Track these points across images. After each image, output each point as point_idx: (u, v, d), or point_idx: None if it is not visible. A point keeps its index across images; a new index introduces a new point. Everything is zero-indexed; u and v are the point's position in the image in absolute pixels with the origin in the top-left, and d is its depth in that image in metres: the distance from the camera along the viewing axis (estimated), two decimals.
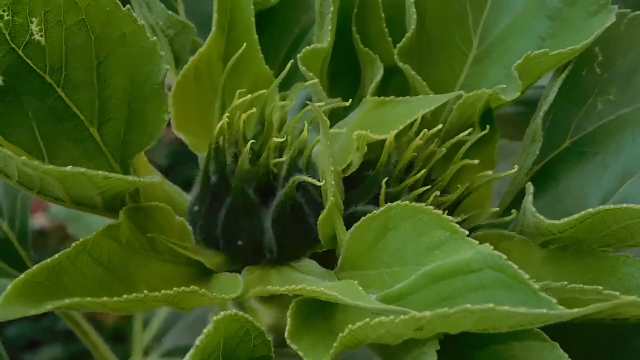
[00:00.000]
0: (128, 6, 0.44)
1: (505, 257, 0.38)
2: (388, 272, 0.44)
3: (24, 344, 1.54)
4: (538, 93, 0.59)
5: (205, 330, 0.36)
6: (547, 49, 0.50)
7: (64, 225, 1.43)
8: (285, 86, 0.59)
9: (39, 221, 1.57)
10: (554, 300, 0.36)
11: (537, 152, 0.52)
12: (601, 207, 0.44)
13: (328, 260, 0.51)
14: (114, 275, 0.42)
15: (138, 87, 0.46)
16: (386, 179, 0.50)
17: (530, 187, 0.49)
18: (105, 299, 0.36)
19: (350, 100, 0.58)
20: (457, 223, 0.48)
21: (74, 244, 0.39)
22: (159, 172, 0.53)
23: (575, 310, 0.34)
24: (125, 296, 0.37)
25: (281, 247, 0.49)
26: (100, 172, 0.39)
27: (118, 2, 0.44)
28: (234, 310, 0.39)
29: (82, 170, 0.38)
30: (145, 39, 0.45)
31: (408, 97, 0.52)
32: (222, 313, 0.38)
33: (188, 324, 1.12)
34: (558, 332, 0.51)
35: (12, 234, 0.66)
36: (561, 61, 0.52)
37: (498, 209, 0.55)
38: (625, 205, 0.43)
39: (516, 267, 0.38)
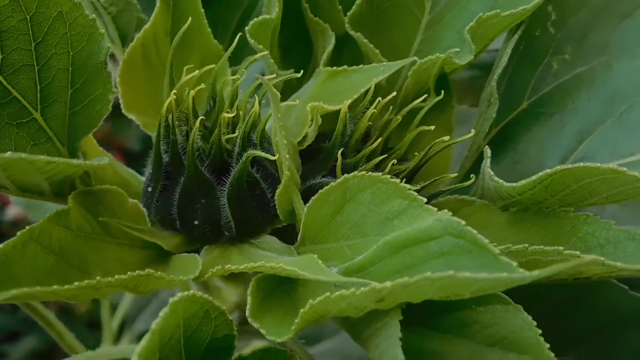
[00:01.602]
0: None
1: (464, 222, 0.38)
2: (348, 244, 0.44)
3: (3, 335, 1.52)
4: (493, 56, 0.58)
5: (161, 313, 0.35)
6: (499, 10, 0.50)
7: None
8: (237, 59, 0.57)
9: (12, 211, 1.54)
10: (514, 264, 0.35)
11: (494, 116, 0.52)
12: (558, 167, 0.43)
13: (290, 235, 0.50)
14: (66, 262, 0.41)
15: (80, 67, 0.44)
16: (342, 149, 0.49)
17: (487, 151, 0.48)
18: (55, 287, 0.35)
19: (303, 71, 0.57)
20: (416, 190, 0.48)
21: (19, 233, 0.37)
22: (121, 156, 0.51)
23: (536, 272, 0.33)
24: (76, 283, 0.36)
25: (239, 224, 0.47)
26: (42, 157, 0.37)
27: None
28: (192, 291, 0.38)
29: (23, 155, 0.36)
30: (83, 16, 0.43)
31: (361, 65, 0.51)
32: (179, 294, 0.36)
33: (158, 306, 1.11)
34: (520, 293, 0.51)
35: None
36: (513, 22, 0.52)
37: (457, 174, 0.54)
38: (582, 164, 0.43)
39: (475, 232, 0.37)
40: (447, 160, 0.55)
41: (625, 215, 0.88)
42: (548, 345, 0.40)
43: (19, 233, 0.37)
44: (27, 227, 0.38)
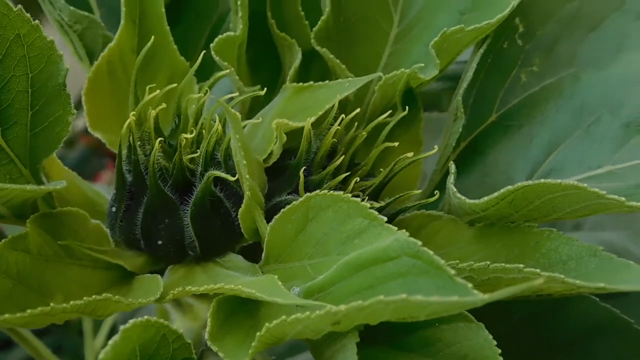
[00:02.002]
0: (20, 6, 0.42)
1: (420, 243, 0.38)
2: (311, 263, 0.44)
3: None
4: (464, 67, 0.58)
5: (110, 342, 0.34)
6: (463, 25, 0.50)
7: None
8: (207, 76, 0.57)
9: None
10: (470, 285, 0.35)
11: (460, 130, 0.52)
12: (520, 184, 0.43)
13: (258, 253, 0.50)
14: (24, 286, 0.41)
15: (39, 88, 0.44)
16: (308, 167, 0.49)
17: (452, 167, 0.48)
18: (7, 315, 0.35)
19: (272, 86, 0.57)
20: (381, 207, 0.48)
21: None
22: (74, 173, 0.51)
23: (486, 296, 0.33)
24: (28, 311, 0.35)
25: (203, 243, 0.47)
26: None
27: (8, 2, 0.42)
28: (146, 317, 0.38)
29: None
30: (41, 38, 0.43)
31: (327, 81, 0.51)
32: (131, 321, 0.36)
33: (149, 313, 1.10)
34: (490, 308, 0.51)
35: None
36: (478, 36, 0.52)
37: (425, 189, 0.54)
38: (544, 180, 0.43)
39: (432, 253, 0.37)
40: (416, 175, 0.55)
41: (607, 220, 0.88)
42: None
43: None
44: None
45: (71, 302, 0.37)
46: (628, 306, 0.71)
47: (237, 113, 0.44)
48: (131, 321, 0.36)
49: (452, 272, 0.36)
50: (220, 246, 0.49)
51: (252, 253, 0.50)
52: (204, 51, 0.50)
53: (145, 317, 0.38)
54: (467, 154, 0.56)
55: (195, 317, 0.57)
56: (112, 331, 1.08)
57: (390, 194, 0.52)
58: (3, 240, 0.40)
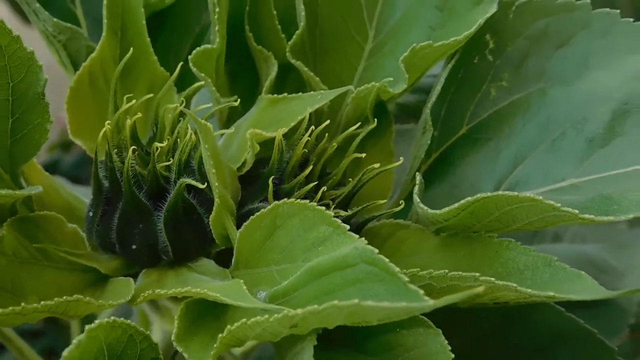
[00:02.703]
0: (1, 19, 0.44)
1: (377, 251, 0.39)
2: (277, 269, 0.45)
3: None
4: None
5: (75, 340, 0.36)
6: (432, 41, 0.51)
7: None
8: (188, 87, 0.59)
9: None
10: (421, 292, 0.37)
11: (429, 142, 0.53)
12: (479, 195, 0.45)
13: (226, 257, 0.51)
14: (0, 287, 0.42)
15: (19, 97, 0.46)
16: (280, 176, 0.51)
17: (418, 177, 0.50)
18: None
19: (249, 101, 0.58)
20: (349, 216, 0.50)
21: None
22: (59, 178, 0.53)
23: (432, 302, 0.35)
24: (0, 310, 0.37)
25: (176, 248, 0.49)
26: None
27: None
28: (112, 317, 0.39)
29: None
30: (21, 49, 0.45)
31: (300, 93, 0.53)
32: (97, 321, 0.38)
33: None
34: (459, 315, 0.53)
35: None
36: (447, 52, 0.53)
37: (393, 199, 0.56)
38: (501, 192, 0.45)
39: (387, 260, 0.39)
40: (387, 184, 0.57)
41: (587, 233, 0.90)
42: None
43: None
44: None
45: (42, 302, 0.39)
46: (598, 316, 0.73)
47: (208, 123, 0.45)
48: (97, 321, 0.38)
49: (406, 279, 0.38)
50: (193, 251, 0.50)
51: (226, 258, 0.52)
52: (182, 62, 0.52)
53: (112, 317, 0.39)
54: (438, 165, 0.58)
55: (172, 319, 0.59)
56: None
57: (362, 203, 0.54)
58: None
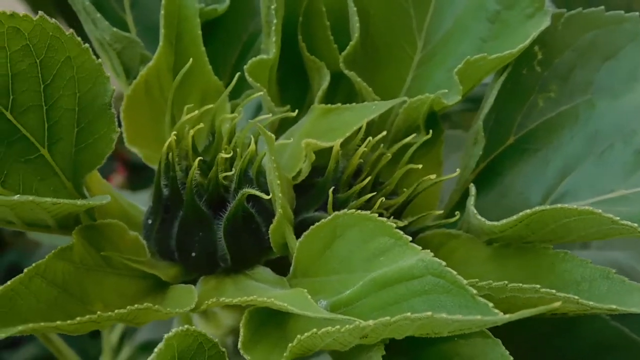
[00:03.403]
0: (72, 30, 0.45)
1: (444, 263, 0.40)
2: (337, 279, 0.46)
3: (3, 342, 1.54)
4: (485, 90, 0.60)
5: (156, 349, 0.37)
6: (486, 53, 0.52)
7: None
8: (237, 93, 0.60)
9: None
10: (490, 305, 0.38)
11: (480, 154, 0.54)
12: (537, 208, 0.46)
13: (282, 265, 0.52)
14: (68, 294, 0.43)
15: (85, 107, 0.47)
16: (334, 185, 0.52)
17: (472, 189, 0.50)
18: (58, 322, 0.37)
19: (300, 106, 0.59)
20: (404, 226, 0.51)
21: (26, 270, 0.40)
22: (119, 181, 0.53)
23: (507, 316, 0.35)
24: (78, 318, 0.38)
25: (234, 256, 0.50)
26: (48, 199, 0.40)
27: (60, 26, 0.44)
28: (186, 325, 0.40)
29: (30, 198, 0.39)
30: (90, 60, 0.45)
31: (354, 104, 0.54)
32: (173, 330, 0.39)
33: None
34: (510, 325, 0.54)
35: None
36: (500, 64, 0.54)
37: (445, 208, 0.57)
38: (560, 205, 0.45)
39: (455, 272, 0.40)
40: (436, 193, 0.57)
41: (615, 240, 0.90)
42: None
43: (25, 270, 0.40)
44: (34, 264, 0.40)
45: (115, 311, 0.40)
46: (633, 324, 0.74)
47: (272, 135, 0.46)
48: (173, 330, 0.39)
49: (474, 291, 0.39)
50: (250, 259, 0.51)
51: (277, 265, 0.52)
52: (238, 73, 0.53)
53: (186, 326, 0.40)
54: (486, 175, 0.58)
55: (219, 325, 0.60)
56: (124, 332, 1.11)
57: (410, 212, 0.54)
58: (52, 252, 0.42)
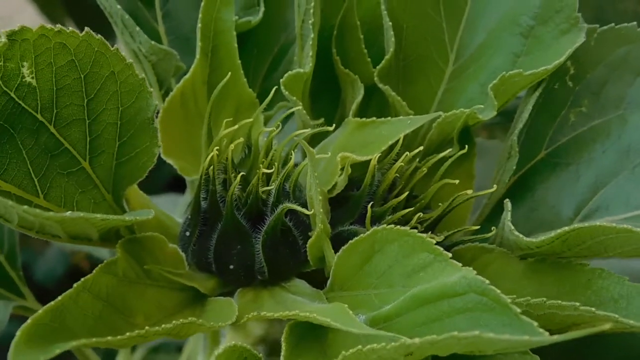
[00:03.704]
0: (116, 46, 0.45)
1: (487, 281, 0.40)
2: (375, 294, 0.46)
3: (7, 345, 1.54)
4: (513, 103, 0.61)
5: None
6: (521, 69, 0.52)
7: None
8: (269, 104, 0.60)
9: None
10: (535, 324, 0.38)
11: (514, 168, 0.54)
12: (576, 225, 0.46)
13: (315, 277, 0.52)
14: (112, 307, 0.44)
15: (128, 121, 0.47)
16: (369, 198, 0.52)
17: (508, 205, 0.51)
18: (109, 337, 0.38)
19: (330, 118, 0.60)
20: (441, 241, 0.51)
21: (75, 285, 0.40)
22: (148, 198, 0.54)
23: (555, 337, 0.36)
24: (127, 334, 0.38)
25: (272, 269, 0.50)
26: (98, 215, 0.40)
27: (106, 42, 0.45)
28: (233, 342, 0.41)
29: (81, 214, 0.39)
30: (133, 75, 0.46)
31: (389, 118, 0.54)
32: (222, 347, 0.39)
33: None
34: None
35: (0, 255, 0.67)
36: (534, 80, 0.54)
37: (477, 222, 0.57)
38: (598, 223, 0.46)
39: (498, 291, 0.40)
40: (468, 207, 0.58)
41: None
42: None
43: (75, 285, 0.40)
44: (82, 279, 0.41)
45: (162, 326, 0.40)
46: None
47: (313, 150, 0.46)
48: (222, 347, 0.39)
49: (518, 310, 0.39)
50: (286, 272, 0.52)
51: (310, 277, 0.53)
52: (275, 87, 0.53)
53: (233, 342, 0.41)
54: (516, 189, 0.59)
55: (248, 334, 0.60)
56: None
57: (442, 226, 0.55)
58: (99, 265, 0.43)
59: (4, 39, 0.41)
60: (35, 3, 1.45)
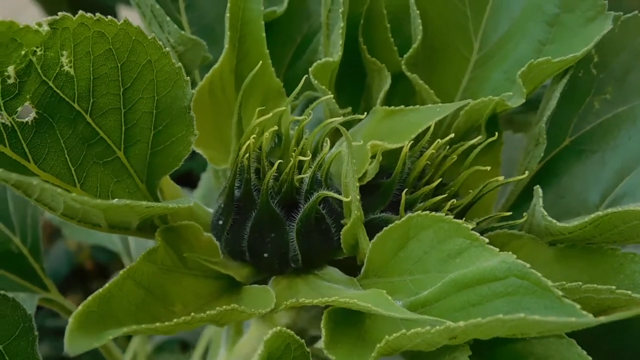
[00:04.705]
0: (153, 34, 0.45)
1: (528, 265, 0.41)
2: (411, 279, 0.47)
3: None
4: (535, 92, 0.61)
5: (258, 351, 0.38)
6: (549, 57, 0.53)
7: (51, 221, 1.44)
8: (290, 92, 0.60)
9: None
10: (577, 306, 0.38)
11: (541, 155, 0.55)
12: (609, 210, 0.46)
13: (346, 264, 0.53)
14: (152, 295, 0.44)
15: (164, 110, 0.47)
16: (400, 186, 0.52)
17: (539, 191, 0.51)
18: (157, 324, 0.38)
19: (355, 106, 0.60)
20: (473, 227, 0.51)
21: (120, 272, 0.41)
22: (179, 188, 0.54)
23: (602, 318, 0.36)
24: (174, 320, 0.39)
25: (305, 256, 0.51)
26: (143, 202, 0.40)
27: (143, 31, 0.45)
28: (279, 327, 0.41)
29: (128, 202, 0.39)
30: (170, 64, 0.46)
31: (417, 106, 0.54)
32: (270, 332, 0.40)
33: None
34: None
35: (24, 248, 0.67)
36: (562, 67, 0.55)
37: (504, 209, 0.57)
38: (632, 207, 0.46)
39: (539, 274, 0.40)
40: (494, 195, 0.58)
41: None
42: None
43: (121, 272, 0.41)
44: (127, 266, 0.41)
45: (207, 312, 0.40)
46: None
47: (351, 138, 0.47)
48: (270, 332, 0.40)
49: (560, 293, 0.39)
50: (319, 259, 0.52)
51: (341, 265, 0.53)
52: (305, 76, 0.53)
53: (278, 327, 0.41)
54: (542, 176, 0.59)
55: (274, 323, 0.60)
56: None
57: (472, 212, 0.55)
58: (142, 254, 0.43)
59: (46, 28, 0.41)
60: (39, 2, 1.44)
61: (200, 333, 0.95)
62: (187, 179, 1.24)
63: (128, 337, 1.25)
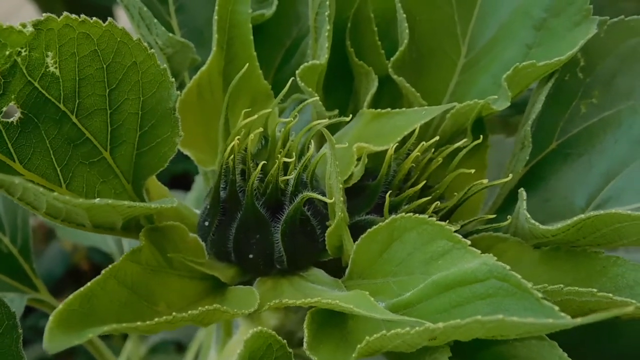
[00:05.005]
0: (138, 36, 0.46)
1: (508, 267, 0.41)
2: (395, 281, 0.47)
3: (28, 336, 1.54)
4: (523, 95, 0.62)
5: (238, 351, 0.38)
6: (534, 60, 0.53)
7: (44, 223, 1.44)
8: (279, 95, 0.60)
9: None
10: (556, 308, 0.39)
11: (527, 158, 0.55)
12: (592, 213, 0.47)
13: (331, 266, 0.53)
14: (136, 294, 0.44)
15: (149, 111, 0.47)
16: (385, 188, 0.53)
17: (523, 194, 0.51)
18: (138, 323, 0.38)
19: (343, 109, 0.60)
20: (457, 230, 0.52)
21: (103, 271, 0.41)
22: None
23: (579, 319, 0.36)
24: (155, 319, 0.39)
25: (290, 258, 0.51)
26: (125, 202, 0.40)
27: (128, 33, 0.45)
28: (259, 327, 0.41)
29: (109, 201, 0.40)
30: (155, 66, 0.46)
31: (404, 108, 0.55)
32: (250, 332, 0.40)
33: None
34: None
35: (14, 248, 0.67)
36: (547, 71, 0.55)
37: (490, 212, 0.58)
38: (614, 210, 0.46)
39: (519, 276, 0.41)
40: (480, 198, 0.58)
41: None
42: None
43: (103, 271, 0.41)
44: (110, 266, 0.41)
45: (189, 312, 0.41)
46: None
47: (334, 140, 0.47)
48: (250, 332, 0.40)
49: (539, 294, 0.40)
50: (304, 261, 0.52)
51: (326, 266, 0.53)
52: (292, 78, 0.53)
53: (259, 327, 0.41)
54: (528, 180, 0.59)
55: (262, 324, 0.61)
56: None
57: (457, 215, 0.55)
58: (125, 253, 0.43)
59: (30, 28, 0.41)
60: (35, 2, 1.44)
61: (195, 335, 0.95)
62: (184, 180, 1.24)
63: (123, 339, 1.25)
